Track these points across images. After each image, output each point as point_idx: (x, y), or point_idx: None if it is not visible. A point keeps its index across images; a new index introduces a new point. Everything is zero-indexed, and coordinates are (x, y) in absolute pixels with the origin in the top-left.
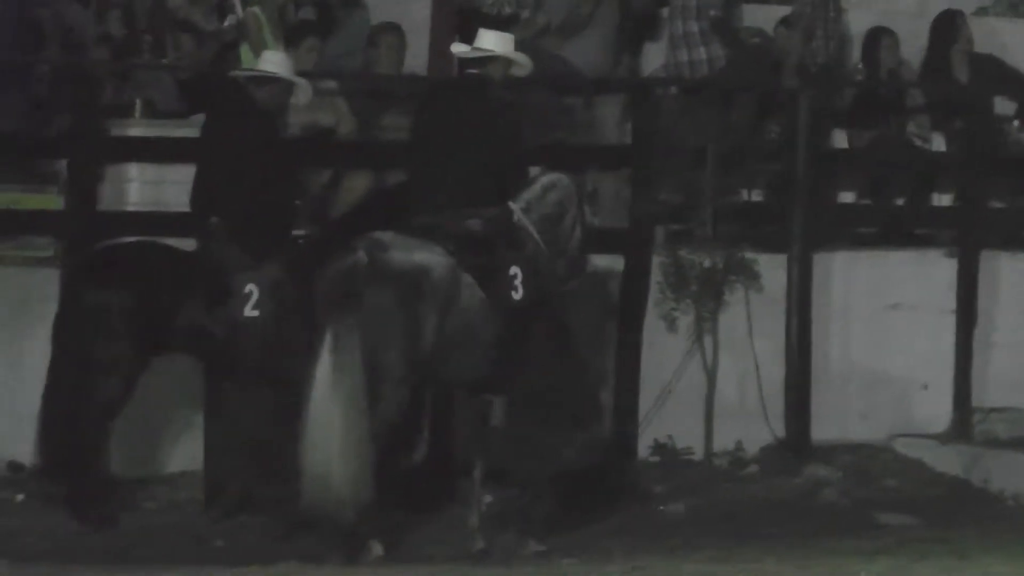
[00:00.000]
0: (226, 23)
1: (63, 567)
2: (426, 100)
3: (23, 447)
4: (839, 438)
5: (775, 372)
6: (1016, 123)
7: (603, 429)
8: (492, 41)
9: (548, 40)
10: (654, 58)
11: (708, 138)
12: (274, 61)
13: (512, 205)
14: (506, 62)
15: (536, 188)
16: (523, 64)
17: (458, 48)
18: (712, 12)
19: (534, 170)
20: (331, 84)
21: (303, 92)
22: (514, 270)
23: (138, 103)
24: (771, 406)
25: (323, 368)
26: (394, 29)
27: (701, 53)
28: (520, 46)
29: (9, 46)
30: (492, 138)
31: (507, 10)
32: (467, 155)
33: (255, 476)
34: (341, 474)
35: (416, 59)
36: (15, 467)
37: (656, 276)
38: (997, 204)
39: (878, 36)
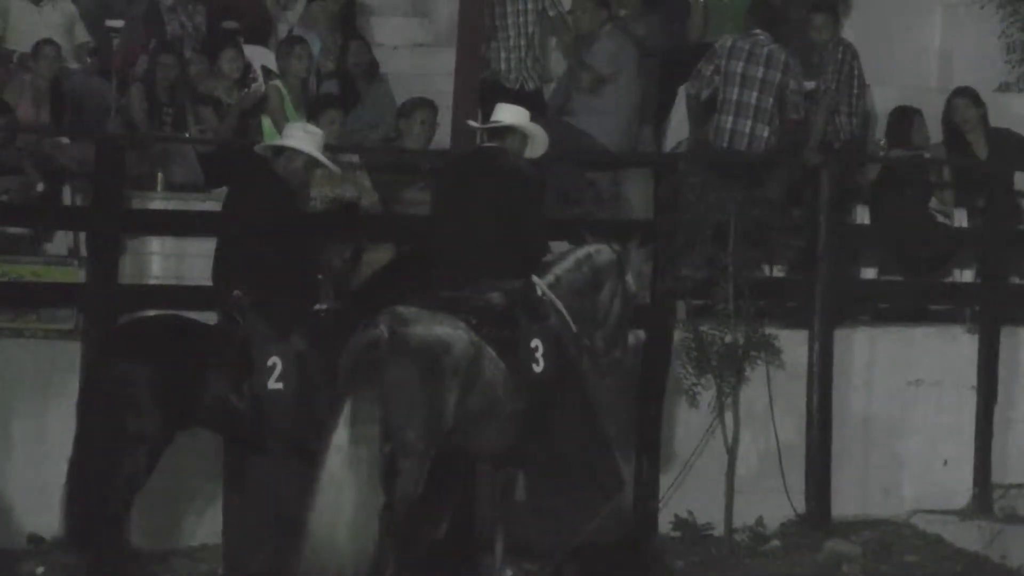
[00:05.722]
0: (246, 91)
1: None
2: (445, 173)
3: (44, 519)
4: (860, 513)
5: (796, 447)
6: None
7: (626, 502)
8: (507, 114)
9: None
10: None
11: (731, 213)
12: (297, 136)
13: (535, 279)
14: (523, 136)
15: (569, 260)
16: (539, 139)
17: (473, 121)
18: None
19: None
20: (353, 158)
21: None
22: (535, 343)
23: (159, 176)
24: (792, 481)
25: (339, 439)
26: (429, 104)
27: (746, 126)
28: (542, 122)
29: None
30: (510, 210)
31: (530, 85)
32: (486, 227)
33: (276, 550)
34: (346, 543)
35: (438, 133)
36: (35, 539)
37: (677, 351)
38: (1018, 280)
39: (902, 113)
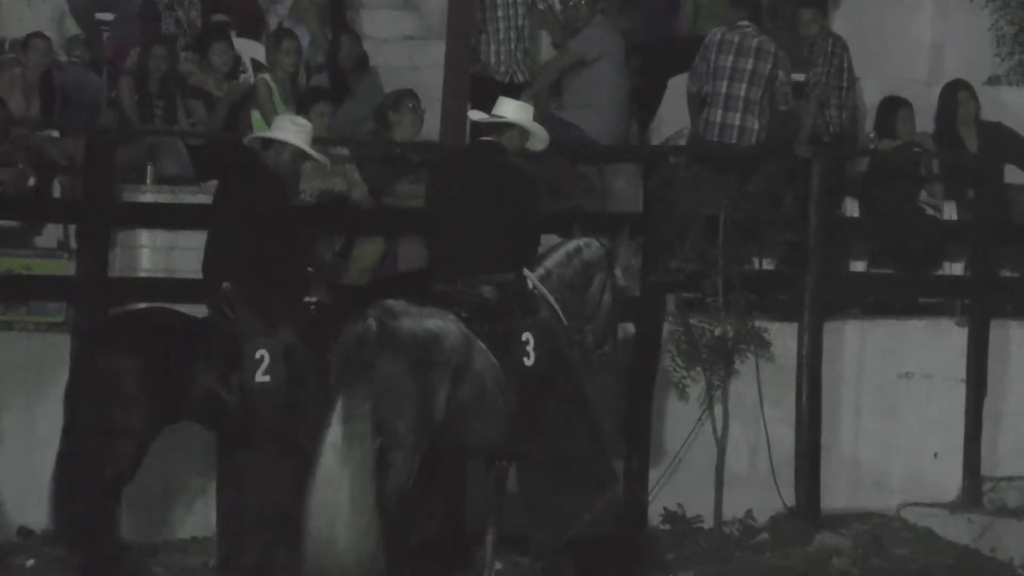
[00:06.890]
0: (233, 83)
1: None
2: (440, 166)
3: (34, 513)
4: (850, 507)
5: (785, 440)
6: None
7: (617, 496)
8: (510, 109)
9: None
10: (666, 126)
11: (721, 206)
12: (285, 128)
13: (526, 271)
14: (522, 132)
15: (560, 254)
16: (539, 136)
17: (476, 115)
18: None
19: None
20: (343, 151)
21: (315, 163)
22: (526, 336)
23: (149, 169)
24: (781, 474)
25: (333, 435)
26: (412, 94)
27: (735, 119)
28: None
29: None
30: (505, 204)
31: (519, 78)
32: (480, 222)
33: (268, 543)
34: (347, 541)
35: (428, 126)
36: (25, 532)
37: (667, 344)
38: (1008, 273)
39: (889, 104)
